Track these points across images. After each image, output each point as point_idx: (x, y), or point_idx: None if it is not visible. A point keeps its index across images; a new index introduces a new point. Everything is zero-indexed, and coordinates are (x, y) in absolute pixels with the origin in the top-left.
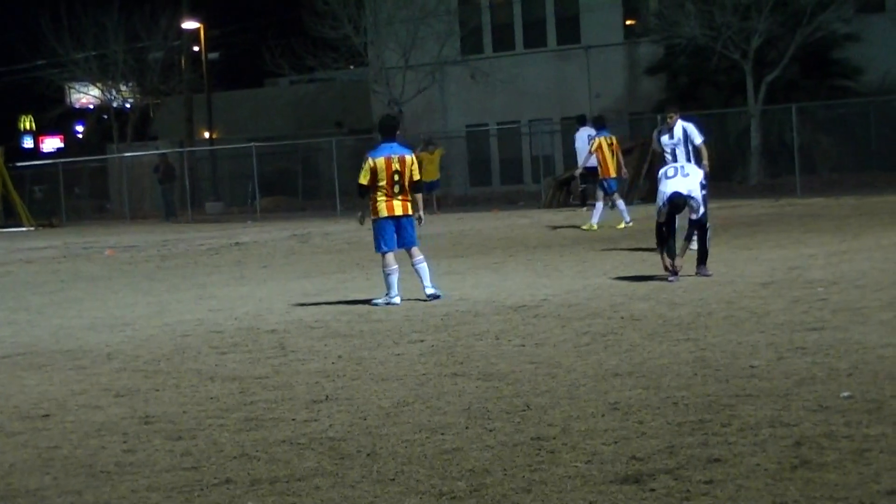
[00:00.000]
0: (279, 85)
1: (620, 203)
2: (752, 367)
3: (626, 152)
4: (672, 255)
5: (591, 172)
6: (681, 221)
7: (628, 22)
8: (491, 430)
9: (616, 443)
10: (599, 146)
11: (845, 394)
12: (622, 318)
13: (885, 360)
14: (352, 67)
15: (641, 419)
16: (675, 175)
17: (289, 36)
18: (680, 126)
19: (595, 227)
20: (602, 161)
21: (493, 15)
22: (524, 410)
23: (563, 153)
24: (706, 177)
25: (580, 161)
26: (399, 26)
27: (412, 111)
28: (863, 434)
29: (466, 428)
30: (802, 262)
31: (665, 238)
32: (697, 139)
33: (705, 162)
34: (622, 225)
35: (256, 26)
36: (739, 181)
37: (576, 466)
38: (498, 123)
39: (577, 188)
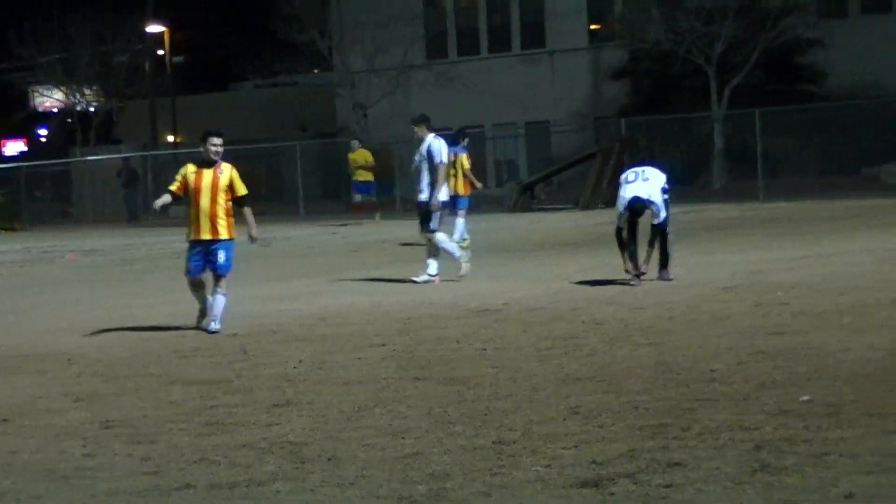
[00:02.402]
0: (244, 89)
1: (458, 222)
2: (712, 371)
3: (589, 156)
4: (633, 260)
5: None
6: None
7: (593, 27)
8: (452, 434)
9: (576, 447)
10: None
11: (805, 398)
12: (584, 322)
13: (844, 365)
14: (316, 71)
15: (602, 423)
16: (635, 180)
17: (254, 40)
18: (427, 143)
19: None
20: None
21: (459, 19)
22: (485, 414)
23: (528, 158)
24: (669, 181)
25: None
26: (364, 30)
27: (377, 115)
28: (822, 438)
29: (427, 432)
30: (764, 267)
31: (626, 242)
32: (436, 159)
33: (440, 183)
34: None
35: (221, 30)
36: (703, 185)
37: (536, 470)
38: (466, 128)
39: (542, 193)
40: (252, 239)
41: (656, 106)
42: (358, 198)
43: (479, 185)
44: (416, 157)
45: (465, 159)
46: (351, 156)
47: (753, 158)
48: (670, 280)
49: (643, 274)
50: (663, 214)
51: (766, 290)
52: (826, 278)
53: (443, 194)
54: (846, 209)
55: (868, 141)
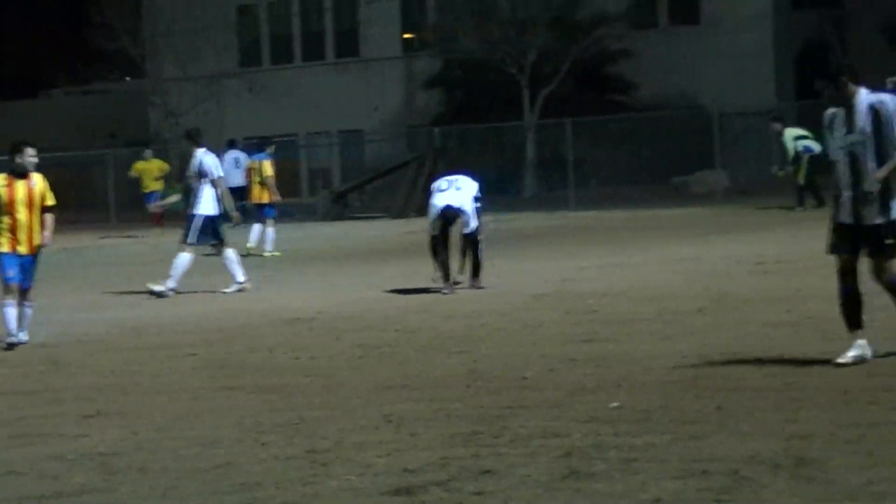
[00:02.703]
0: (54, 96)
1: (267, 232)
2: (524, 378)
3: (402, 165)
4: (445, 269)
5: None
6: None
7: (406, 36)
8: (264, 444)
9: (389, 455)
10: (251, 170)
11: (614, 404)
12: (396, 330)
13: (652, 371)
14: (128, 79)
15: (414, 431)
16: (447, 188)
17: (64, 47)
18: (198, 159)
19: (266, 253)
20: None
21: (272, 27)
22: (297, 423)
23: (341, 166)
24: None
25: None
26: (177, 38)
27: (190, 124)
28: (630, 444)
29: (239, 441)
30: (575, 275)
31: (438, 251)
32: (212, 174)
33: (220, 197)
34: (250, 244)
35: (31, 37)
36: (515, 194)
37: (348, 479)
38: (276, 136)
39: (356, 201)
40: (41, 246)
41: (469, 115)
42: (153, 207)
43: (276, 196)
44: (187, 173)
45: (267, 167)
46: (137, 165)
47: (565, 167)
48: (482, 289)
49: (458, 283)
50: (473, 224)
51: (576, 298)
52: (635, 286)
53: (210, 208)
54: (655, 218)
55: (677, 151)
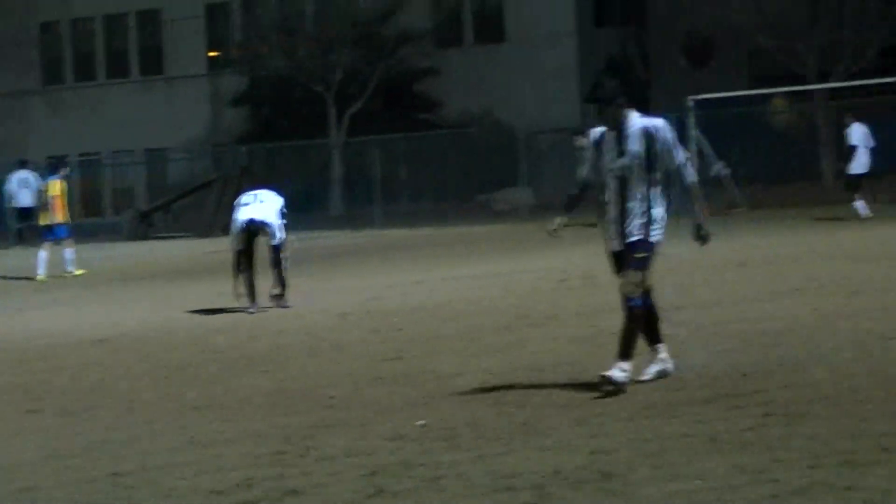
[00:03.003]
0: None
1: (65, 252)
2: (330, 397)
3: (208, 184)
4: (250, 287)
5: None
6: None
7: (212, 53)
8: (68, 467)
9: (194, 476)
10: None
11: (420, 422)
12: (202, 351)
13: (458, 389)
14: None
15: (220, 452)
16: (251, 203)
17: None
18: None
19: (43, 278)
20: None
21: (76, 45)
22: (102, 446)
23: (146, 185)
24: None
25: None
26: None
27: None
28: (437, 461)
29: (41, 465)
30: (381, 293)
31: (243, 268)
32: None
33: None
34: (40, 275)
35: None
36: (321, 212)
37: (153, 502)
38: (80, 154)
39: (161, 221)
40: None
41: (275, 133)
42: None
43: (63, 216)
44: None
45: (54, 186)
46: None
47: (371, 185)
48: (288, 307)
49: (267, 308)
50: (279, 235)
51: (382, 316)
52: (440, 304)
53: None
54: (461, 235)
55: (483, 168)
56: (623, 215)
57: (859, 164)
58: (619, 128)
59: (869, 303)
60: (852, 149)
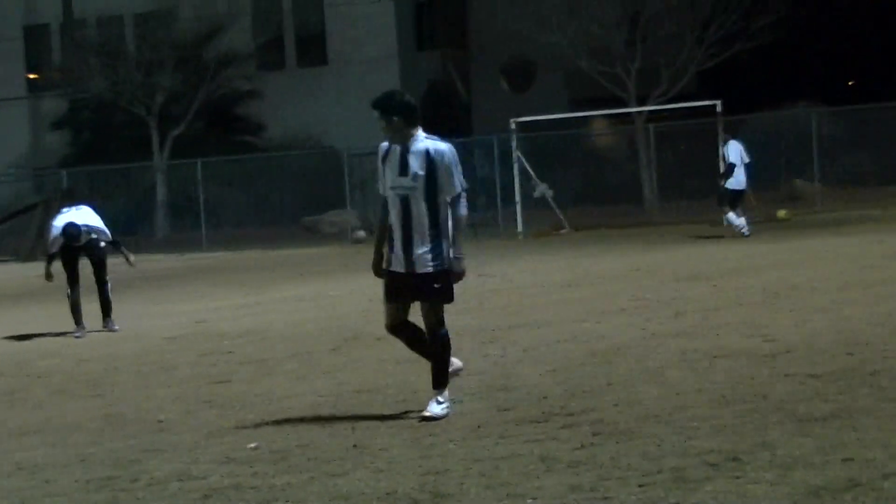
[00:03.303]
0: None
1: None
2: (160, 421)
3: (30, 208)
4: (76, 308)
5: None
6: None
7: (31, 76)
8: None
9: (23, 503)
10: None
11: (252, 445)
12: (28, 375)
13: (289, 411)
14: None
15: (48, 478)
16: (68, 211)
17: None
18: None
19: None
20: None
21: None
22: None
23: None
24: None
25: None
26: None
27: None
28: (269, 484)
29: None
30: (209, 316)
31: (72, 290)
32: None
33: None
34: None
35: None
36: (146, 235)
37: None
38: None
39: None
40: None
41: (97, 156)
42: None
43: None
44: None
45: None
46: None
47: (196, 208)
48: (116, 331)
49: (93, 331)
50: (106, 233)
51: (210, 339)
52: (269, 326)
53: None
54: (287, 258)
55: (307, 191)
56: (409, 239)
57: (736, 181)
58: (402, 145)
59: (694, 321)
60: (730, 166)
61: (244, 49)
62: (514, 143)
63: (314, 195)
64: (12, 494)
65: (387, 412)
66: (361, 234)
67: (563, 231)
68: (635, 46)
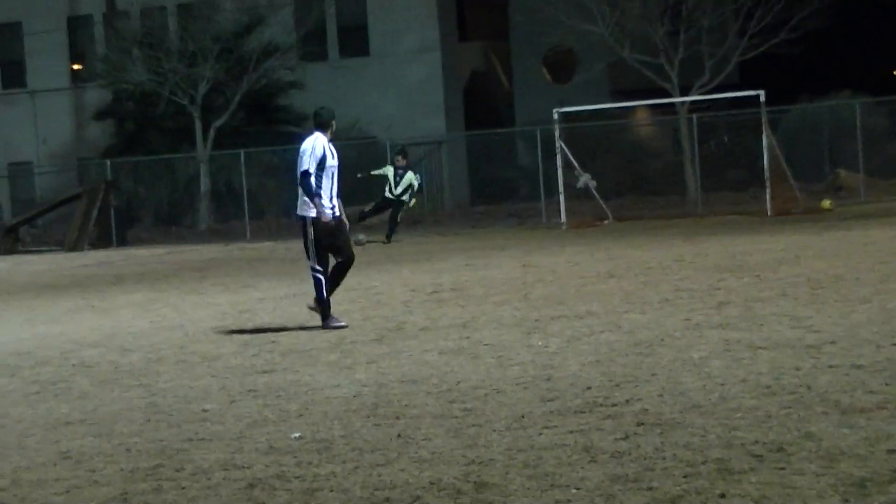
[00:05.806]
0: None
1: None
2: (204, 410)
3: (74, 198)
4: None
5: None
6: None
7: (75, 67)
8: None
9: (68, 492)
10: None
11: (296, 435)
12: (73, 365)
13: (333, 401)
14: None
15: (93, 467)
16: None
17: None
18: None
19: None
20: None
21: None
22: None
23: (11, 199)
24: None
25: None
26: None
27: None
28: (313, 474)
29: None
30: (252, 306)
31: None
32: None
33: None
34: None
35: None
36: (189, 226)
37: None
38: None
39: (26, 235)
40: None
41: (140, 146)
42: None
43: None
44: None
45: None
46: None
47: (239, 198)
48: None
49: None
50: None
51: (255, 329)
52: (311, 317)
53: None
54: None
55: (350, 181)
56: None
57: None
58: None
59: (737, 312)
60: None
61: (286, 40)
62: (557, 134)
63: (357, 185)
64: (57, 484)
65: (430, 402)
66: (362, 237)
67: (605, 222)
68: (678, 36)
